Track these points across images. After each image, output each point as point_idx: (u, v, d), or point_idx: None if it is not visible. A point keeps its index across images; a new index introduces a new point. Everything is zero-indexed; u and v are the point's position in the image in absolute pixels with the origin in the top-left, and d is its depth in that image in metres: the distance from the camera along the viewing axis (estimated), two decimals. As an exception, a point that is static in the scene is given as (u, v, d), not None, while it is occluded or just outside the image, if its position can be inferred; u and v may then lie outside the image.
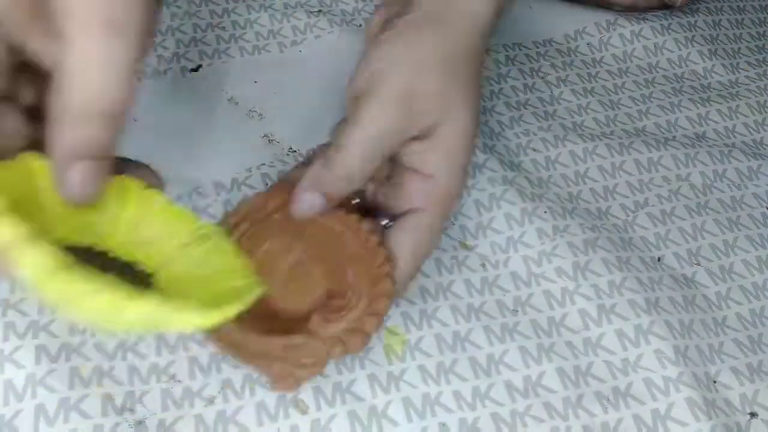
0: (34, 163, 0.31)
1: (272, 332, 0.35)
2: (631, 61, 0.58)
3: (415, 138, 0.37)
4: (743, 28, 0.63)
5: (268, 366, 0.34)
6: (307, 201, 0.37)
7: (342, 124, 0.38)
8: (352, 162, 0.36)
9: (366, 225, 0.37)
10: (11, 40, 0.30)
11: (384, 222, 0.38)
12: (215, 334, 0.35)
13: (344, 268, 0.37)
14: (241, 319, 0.33)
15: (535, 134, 0.51)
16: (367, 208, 0.39)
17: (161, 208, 0.34)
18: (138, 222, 0.33)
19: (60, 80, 0.29)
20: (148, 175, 0.34)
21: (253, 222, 0.38)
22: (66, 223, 0.31)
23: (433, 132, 0.37)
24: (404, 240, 0.37)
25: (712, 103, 0.56)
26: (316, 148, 0.43)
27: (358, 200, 0.39)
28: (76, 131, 0.29)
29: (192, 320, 0.28)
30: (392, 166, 0.38)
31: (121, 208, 0.33)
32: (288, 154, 0.47)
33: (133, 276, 0.32)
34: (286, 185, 0.38)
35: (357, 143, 0.36)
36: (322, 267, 0.37)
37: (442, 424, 0.37)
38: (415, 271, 0.38)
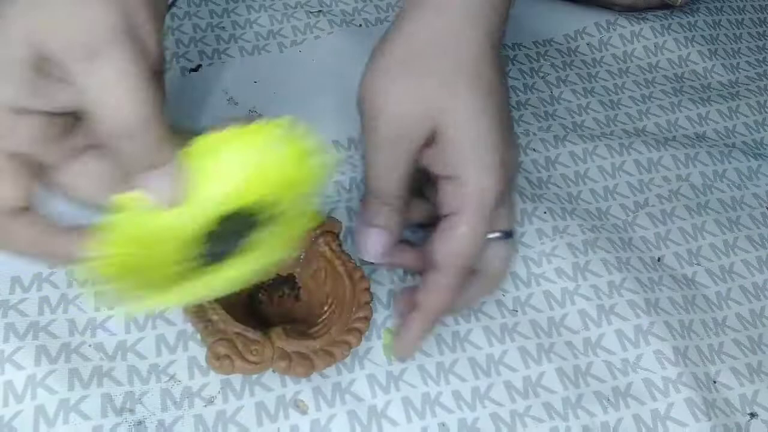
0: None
1: (244, 321, 0.36)
2: (631, 61, 0.58)
3: (427, 144, 0.36)
4: (743, 28, 0.63)
5: (217, 343, 0.35)
6: (368, 238, 0.37)
7: None
8: (375, 178, 0.36)
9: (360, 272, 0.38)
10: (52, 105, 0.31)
11: None
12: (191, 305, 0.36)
13: (324, 304, 0.38)
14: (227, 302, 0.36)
15: (535, 134, 0.51)
16: None
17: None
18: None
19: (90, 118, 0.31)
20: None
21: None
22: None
23: (440, 133, 0.36)
24: (438, 245, 0.36)
25: (712, 103, 0.56)
26: None
27: None
28: (124, 154, 0.31)
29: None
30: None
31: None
32: (288, 155, 0.47)
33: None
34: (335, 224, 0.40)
35: (369, 159, 0.36)
36: (310, 295, 0.40)
37: (442, 424, 0.37)
38: (457, 277, 0.36)
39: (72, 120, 0.33)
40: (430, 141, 0.36)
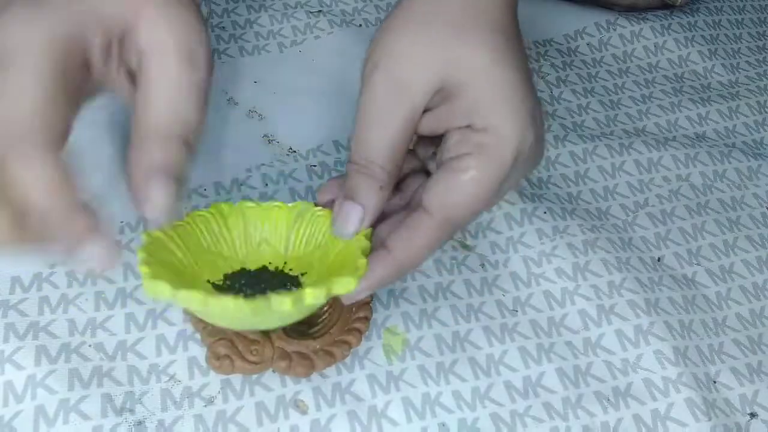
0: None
1: None
2: (631, 61, 0.58)
3: (438, 105, 0.33)
4: (743, 28, 0.63)
5: (217, 343, 0.36)
6: (341, 211, 0.33)
7: None
8: (360, 142, 0.33)
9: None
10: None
11: None
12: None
13: (324, 304, 0.38)
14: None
15: (535, 134, 0.51)
16: None
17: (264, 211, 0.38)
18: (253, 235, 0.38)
19: (139, 110, 0.31)
20: None
21: None
22: (240, 253, 0.37)
23: (453, 86, 0.33)
24: (436, 188, 0.32)
25: (712, 103, 0.56)
26: None
27: None
28: (155, 152, 0.30)
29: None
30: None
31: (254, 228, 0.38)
32: (288, 154, 0.47)
33: (291, 281, 0.36)
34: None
35: (358, 121, 0.33)
36: None
37: (442, 424, 0.37)
38: (448, 228, 0.33)
39: None
40: (437, 102, 0.33)
